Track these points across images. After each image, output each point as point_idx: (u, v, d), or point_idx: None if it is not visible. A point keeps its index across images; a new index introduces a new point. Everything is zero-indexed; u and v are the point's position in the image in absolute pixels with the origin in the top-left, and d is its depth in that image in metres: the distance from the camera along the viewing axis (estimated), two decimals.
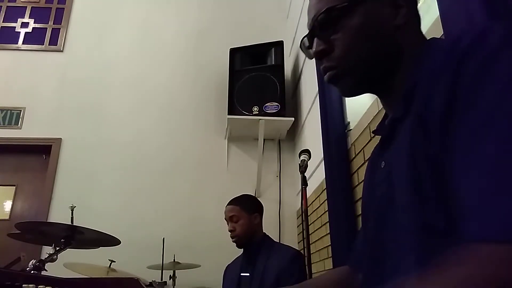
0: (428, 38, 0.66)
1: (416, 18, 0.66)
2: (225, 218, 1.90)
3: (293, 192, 3.33)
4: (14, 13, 4.02)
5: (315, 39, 0.67)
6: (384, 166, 0.64)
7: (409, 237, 0.53)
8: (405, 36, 0.63)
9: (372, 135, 1.64)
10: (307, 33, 0.70)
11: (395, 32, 0.63)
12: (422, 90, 0.54)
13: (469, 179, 0.42)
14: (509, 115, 0.41)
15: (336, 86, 0.68)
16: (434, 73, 0.51)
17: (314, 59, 0.70)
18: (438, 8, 1.04)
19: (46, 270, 1.48)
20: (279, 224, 3.22)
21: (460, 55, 0.47)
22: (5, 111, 3.54)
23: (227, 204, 1.93)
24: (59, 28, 3.93)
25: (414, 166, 0.52)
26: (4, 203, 3.41)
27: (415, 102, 0.55)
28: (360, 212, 1.81)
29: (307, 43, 0.71)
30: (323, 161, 2.16)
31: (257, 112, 3.13)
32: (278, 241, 2.31)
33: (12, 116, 3.52)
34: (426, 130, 0.50)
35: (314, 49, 0.67)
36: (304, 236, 1.73)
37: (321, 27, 0.65)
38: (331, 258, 2.05)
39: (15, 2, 4.08)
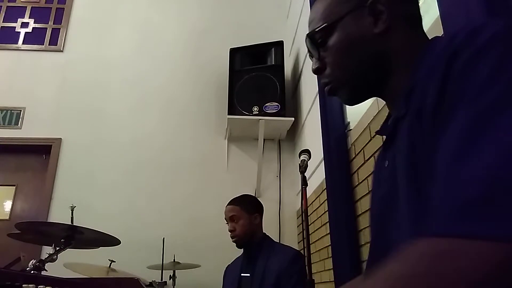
0: (424, 33, 0.66)
1: (402, 18, 0.64)
2: (225, 218, 1.90)
3: (293, 192, 3.33)
4: (14, 13, 4.02)
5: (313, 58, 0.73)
6: (388, 165, 0.64)
7: (409, 236, 0.52)
8: (390, 40, 0.63)
9: (373, 135, 1.64)
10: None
11: (378, 39, 0.63)
12: (420, 86, 0.54)
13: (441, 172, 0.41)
14: (493, 107, 0.40)
15: (336, 97, 0.72)
16: (430, 69, 0.52)
17: None
18: (438, 8, 1.04)
19: (46, 270, 1.48)
20: (279, 224, 3.22)
21: (452, 49, 0.48)
22: (5, 111, 3.54)
23: (227, 204, 1.92)
24: (59, 28, 3.93)
25: (414, 163, 0.52)
26: (4, 203, 3.41)
27: (414, 99, 0.56)
28: (360, 212, 1.81)
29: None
30: (323, 161, 2.16)
31: (257, 112, 3.13)
32: (278, 241, 2.31)
33: (12, 116, 3.52)
34: (422, 125, 0.50)
35: (312, 68, 0.73)
36: (304, 236, 1.72)
37: (311, 49, 0.71)
38: (331, 258, 2.05)
39: (15, 2, 4.08)
